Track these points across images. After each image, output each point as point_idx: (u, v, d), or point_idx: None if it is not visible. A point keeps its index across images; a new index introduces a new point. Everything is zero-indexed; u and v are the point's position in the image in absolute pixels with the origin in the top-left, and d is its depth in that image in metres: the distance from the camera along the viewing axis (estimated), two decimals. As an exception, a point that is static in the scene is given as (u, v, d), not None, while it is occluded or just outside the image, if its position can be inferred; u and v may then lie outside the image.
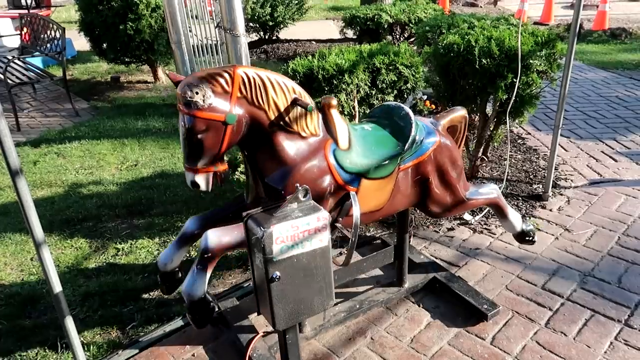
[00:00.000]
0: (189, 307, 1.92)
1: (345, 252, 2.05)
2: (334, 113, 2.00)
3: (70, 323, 1.98)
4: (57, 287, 1.90)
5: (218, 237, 1.83)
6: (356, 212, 1.95)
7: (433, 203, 2.32)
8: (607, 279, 2.78)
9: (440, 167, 2.26)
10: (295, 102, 1.85)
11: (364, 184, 2.04)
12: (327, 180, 1.94)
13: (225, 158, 4.15)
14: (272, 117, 1.83)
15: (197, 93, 1.67)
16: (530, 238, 2.69)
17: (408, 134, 2.15)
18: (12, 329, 2.56)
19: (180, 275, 2.22)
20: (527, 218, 3.40)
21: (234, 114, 1.74)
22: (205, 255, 1.83)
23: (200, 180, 1.82)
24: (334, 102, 1.99)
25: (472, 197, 2.43)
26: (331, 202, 1.98)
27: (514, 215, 2.63)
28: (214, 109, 1.71)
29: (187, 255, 3.01)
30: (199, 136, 1.73)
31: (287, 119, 1.85)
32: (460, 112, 2.48)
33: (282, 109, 1.83)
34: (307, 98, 1.90)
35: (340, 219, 2.05)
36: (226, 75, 1.73)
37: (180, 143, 1.82)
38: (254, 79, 1.77)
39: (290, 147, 1.88)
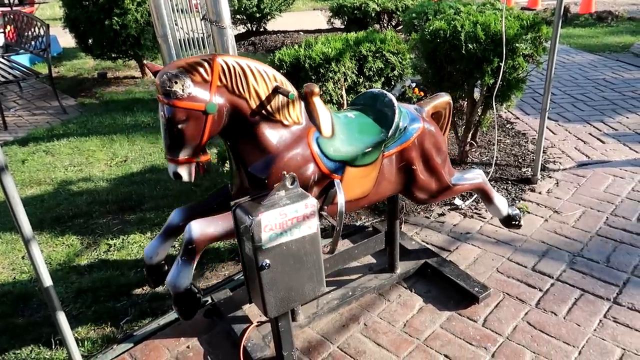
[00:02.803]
0: (175, 299, 1.91)
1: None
2: (317, 101, 1.98)
3: (62, 318, 1.98)
4: (48, 281, 1.89)
5: (202, 228, 1.82)
6: (341, 200, 1.94)
7: (418, 189, 2.32)
8: (595, 258, 2.82)
9: (425, 153, 2.26)
10: (276, 90, 1.83)
11: (348, 172, 2.03)
12: (310, 169, 1.93)
13: (215, 150, 4.10)
14: (254, 106, 1.81)
15: (176, 82, 1.65)
16: (517, 222, 2.71)
17: (392, 121, 2.14)
18: (5, 327, 2.55)
19: (166, 268, 2.20)
20: (516, 202, 3.43)
21: (214, 103, 1.73)
22: (190, 247, 1.81)
23: (183, 171, 1.80)
24: (317, 89, 1.97)
25: (457, 182, 2.44)
26: (315, 191, 1.98)
27: (499, 200, 2.64)
28: (193, 98, 1.69)
29: (173, 247, 3.02)
30: (180, 126, 1.71)
31: (268, 107, 1.84)
32: (444, 98, 2.48)
33: (263, 98, 1.81)
34: (288, 86, 1.88)
35: (326, 207, 2.04)
36: (205, 64, 1.71)
37: (161, 134, 1.81)
38: (233, 67, 1.75)
39: (273, 135, 1.87)
